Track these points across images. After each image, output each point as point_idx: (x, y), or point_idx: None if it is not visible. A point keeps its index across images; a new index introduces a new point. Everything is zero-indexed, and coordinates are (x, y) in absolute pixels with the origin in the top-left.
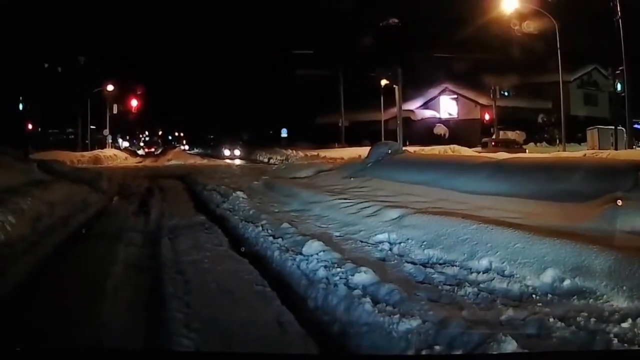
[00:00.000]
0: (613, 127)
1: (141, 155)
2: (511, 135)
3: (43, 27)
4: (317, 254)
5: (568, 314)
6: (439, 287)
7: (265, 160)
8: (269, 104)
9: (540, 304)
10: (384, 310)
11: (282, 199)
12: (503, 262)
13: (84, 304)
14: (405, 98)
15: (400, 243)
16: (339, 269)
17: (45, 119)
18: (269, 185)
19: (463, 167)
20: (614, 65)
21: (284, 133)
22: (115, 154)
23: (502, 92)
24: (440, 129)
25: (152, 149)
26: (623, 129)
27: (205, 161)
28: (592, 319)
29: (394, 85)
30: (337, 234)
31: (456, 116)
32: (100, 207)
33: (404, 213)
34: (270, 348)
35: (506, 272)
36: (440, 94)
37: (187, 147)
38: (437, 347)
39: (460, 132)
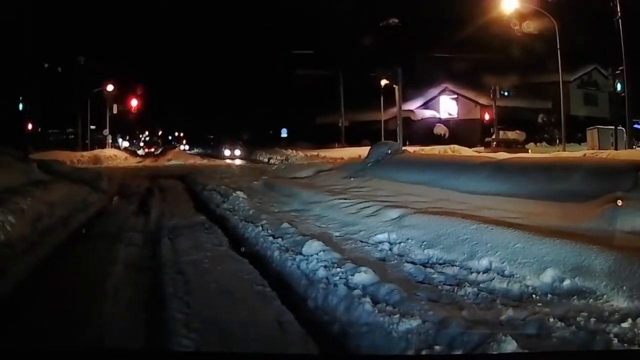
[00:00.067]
0: (613, 127)
1: (141, 155)
2: (511, 135)
3: (43, 27)
4: (317, 254)
5: (568, 314)
6: (439, 287)
7: (265, 160)
8: (269, 104)
9: (540, 304)
10: (384, 310)
11: (282, 199)
12: (503, 262)
13: (84, 304)
14: (405, 98)
15: (400, 243)
16: (338, 269)
17: (45, 119)
18: (269, 185)
19: (463, 167)
20: (614, 65)
21: (284, 133)
22: (115, 154)
23: (502, 92)
24: (440, 129)
25: (152, 149)
26: (623, 129)
27: (205, 161)
28: (592, 319)
29: (394, 85)
30: (337, 234)
31: (456, 116)
32: (100, 207)
33: (404, 213)
34: (270, 348)
35: (506, 272)
36: (440, 94)
37: (187, 147)
38: (437, 347)
39: (460, 132)
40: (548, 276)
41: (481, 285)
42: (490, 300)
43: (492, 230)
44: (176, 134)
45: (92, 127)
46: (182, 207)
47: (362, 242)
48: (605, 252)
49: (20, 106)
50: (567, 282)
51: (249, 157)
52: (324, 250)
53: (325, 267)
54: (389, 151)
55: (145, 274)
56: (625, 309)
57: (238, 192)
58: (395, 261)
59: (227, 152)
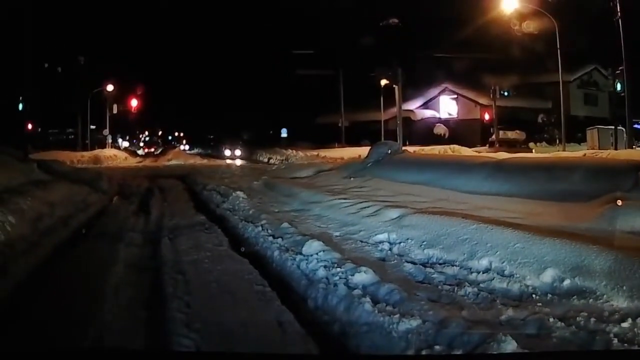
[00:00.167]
0: (613, 127)
1: (141, 155)
2: (511, 135)
3: (43, 27)
4: (317, 253)
5: (568, 313)
6: (439, 287)
7: (265, 160)
8: (269, 104)
9: (540, 304)
10: (383, 310)
11: (282, 198)
12: (503, 262)
13: (84, 304)
14: (405, 98)
15: (400, 243)
16: (338, 269)
17: (45, 119)
18: (269, 185)
19: (463, 167)
20: (614, 65)
21: (284, 133)
22: (115, 154)
23: (502, 92)
24: (440, 129)
25: (152, 149)
26: (623, 129)
27: (205, 161)
28: (592, 319)
29: (394, 85)
30: (337, 233)
31: (456, 116)
32: (100, 207)
33: (404, 213)
34: (270, 348)
35: (506, 272)
36: (440, 94)
37: (187, 147)
38: (437, 347)
39: (460, 132)
40: (548, 276)
41: (481, 285)
42: (490, 300)
43: (492, 230)
44: (176, 134)
45: (92, 127)
46: (182, 207)
47: (362, 242)
48: (605, 252)
49: (20, 106)
50: (567, 282)
51: (249, 157)
52: (324, 250)
53: (325, 267)
54: (389, 151)
55: (145, 273)
56: (625, 309)
57: (238, 192)
58: (395, 261)
59: (227, 152)
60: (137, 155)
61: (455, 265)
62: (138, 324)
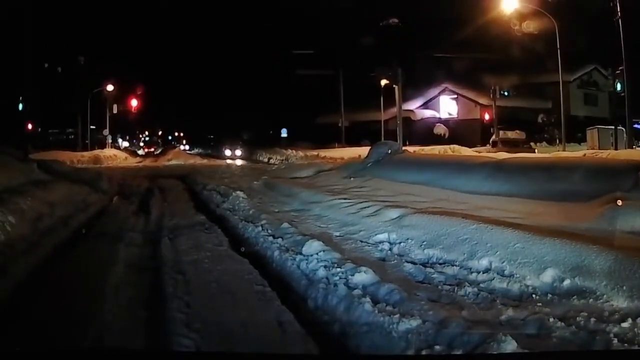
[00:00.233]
0: (613, 127)
1: (141, 155)
2: (511, 135)
3: (43, 27)
4: (317, 253)
5: (568, 313)
6: (439, 287)
7: (265, 160)
8: (269, 104)
9: (540, 304)
10: (383, 310)
11: (282, 198)
12: (503, 262)
13: (84, 304)
14: (405, 98)
15: (400, 243)
16: (338, 269)
17: (45, 119)
18: (269, 185)
19: (463, 167)
20: (614, 65)
21: (284, 133)
22: (115, 154)
23: (502, 92)
24: (440, 129)
25: (152, 149)
26: (623, 129)
27: (205, 161)
28: (592, 319)
29: (394, 85)
30: (337, 233)
31: (456, 116)
32: (100, 207)
33: (404, 213)
34: (270, 348)
35: (506, 272)
36: (440, 94)
37: (187, 147)
38: (437, 347)
39: (460, 132)
40: (548, 276)
41: (481, 285)
42: (490, 300)
43: (492, 230)
44: (176, 134)
45: (92, 127)
46: (182, 207)
47: (362, 242)
48: (605, 252)
49: (20, 106)
50: (567, 282)
51: (249, 157)
52: (324, 250)
53: (325, 267)
54: (389, 151)
55: (145, 273)
56: (625, 309)
57: (238, 192)
58: (395, 261)
59: (227, 152)
60: (137, 155)
61: (455, 265)
62: (138, 324)
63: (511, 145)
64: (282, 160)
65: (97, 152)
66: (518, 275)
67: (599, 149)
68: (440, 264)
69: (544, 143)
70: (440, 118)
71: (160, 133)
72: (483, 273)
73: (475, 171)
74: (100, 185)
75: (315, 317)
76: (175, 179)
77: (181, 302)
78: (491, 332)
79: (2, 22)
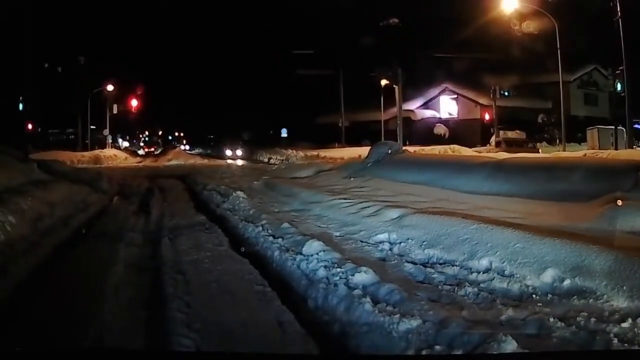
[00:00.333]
0: (613, 127)
1: (141, 155)
2: (511, 134)
3: (43, 27)
4: (317, 253)
5: (568, 313)
6: (439, 287)
7: (266, 160)
8: (269, 104)
9: (540, 304)
10: (384, 310)
11: (282, 198)
12: (503, 262)
13: (84, 304)
14: (405, 98)
15: (400, 243)
16: (339, 269)
17: (45, 119)
18: (269, 185)
19: (463, 167)
20: (614, 65)
21: (284, 133)
22: (116, 154)
23: (502, 92)
24: (440, 129)
25: (152, 149)
26: (623, 129)
27: (205, 161)
28: (592, 319)
29: (394, 85)
30: (337, 233)
31: (456, 116)
32: (100, 207)
33: (404, 213)
34: (270, 348)
35: (506, 272)
36: (440, 94)
37: (187, 147)
38: (437, 347)
39: (461, 132)
40: (548, 276)
41: (481, 285)
42: (490, 300)
43: (492, 230)
44: (176, 134)
45: (92, 127)
46: (183, 207)
47: (362, 242)
48: (606, 252)
49: (20, 106)
50: (567, 282)
51: (249, 157)
52: (324, 250)
53: (325, 267)
54: (389, 151)
55: (145, 273)
56: (626, 309)
57: (238, 192)
58: (396, 261)
59: (228, 152)
60: (137, 155)
61: (456, 265)
62: (138, 324)
63: (515, 145)
64: (282, 160)
65: (97, 152)
66: (518, 275)
67: (599, 149)
68: (440, 264)
69: (544, 143)
70: (440, 118)
71: (160, 133)
72: (483, 273)
73: (476, 171)
74: (101, 185)
75: (315, 317)
76: (176, 179)
77: (181, 302)
78: (491, 332)
79: (2, 22)
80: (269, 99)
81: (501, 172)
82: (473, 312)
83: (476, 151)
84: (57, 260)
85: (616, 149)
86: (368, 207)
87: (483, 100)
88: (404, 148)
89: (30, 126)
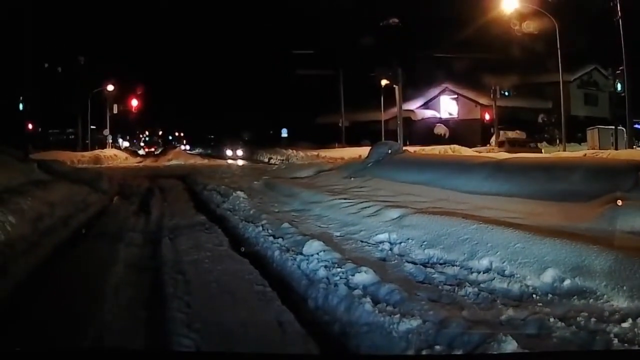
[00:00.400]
0: (613, 127)
1: (141, 155)
2: (511, 135)
3: (43, 27)
4: (317, 253)
5: (568, 314)
6: (439, 287)
7: (266, 160)
8: (269, 104)
9: (540, 304)
10: (384, 310)
11: (282, 199)
12: (503, 262)
13: (84, 304)
14: (406, 98)
15: (400, 243)
16: (339, 269)
17: (45, 119)
18: (269, 185)
19: (463, 167)
20: (614, 65)
21: (284, 133)
22: (116, 154)
23: (502, 92)
24: (440, 129)
25: (153, 149)
26: (623, 129)
27: (205, 161)
28: (593, 319)
29: (394, 85)
30: (338, 233)
31: (456, 116)
32: (100, 207)
33: (405, 213)
34: (270, 348)
35: (506, 272)
36: (440, 94)
37: (187, 147)
38: (437, 347)
39: (461, 132)
40: (548, 276)
41: (481, 285)
42: (490, 300)
43: (492, 230)
44: (176, 134)
45: (93, 127)
46: (183, 207)
47: (362, 242)
48: (606, 252)
49: (21, 106)
50: (567, 282)
51: (249, 157)
52: (324, 250)
53: (325, 267)
54: (389, 151)
55: (145, 273)
56: (626, 309)
57: (238, 192)
58: (396, 261)
59: (229, 152)
60: (137, 155)
61: (456, 265)
62: (138, 324)
63: (519, 145)
64: (283, 160)
65: (97, 152)
66: (518, 275)
67: (600, 149)
68: (440, 264)
69: (544, 143)
70: (440, 118)
71: (160, 133)
72: (483, 273)
73: (476, 171)
74: (101, 185)
75: (315, 317)
76: (176, 179)
77: (181, 302)
78: (491, 332)
79: (2, 22)
80: (269, 99)
81: (501, 172)
82: (473, 312)
83: (476, 151)
84: (57, 260)
85: (616, 149)
86: (368, 207)
87: (483, 100)
88: (404, 148)
89: (30, 126)
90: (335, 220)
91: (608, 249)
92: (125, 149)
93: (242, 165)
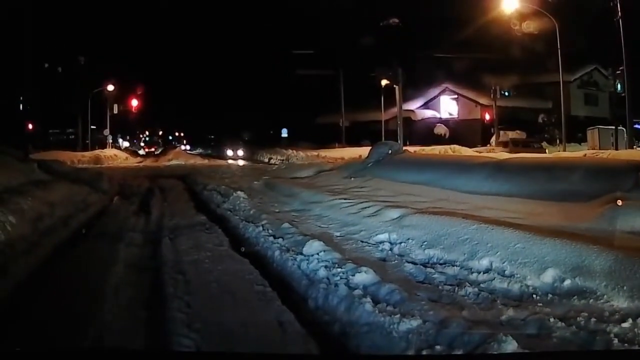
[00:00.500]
0: (613, 127)
1: (142, 155)
2: (511, 134)
3: (43, 27)
4: (317, 254)
5: (568, 314)
6: (440, 287)
7: (266, 160)
8: (269, 104)
9: (540, 304)
10: (384, 310)
11: (282, 199)
12: (503, 262)
13: (84, 304)
14: (406, 98)
15: (400, 243)
16: (339, 269)
17: (45, 119)
18: (270, 185)
19: (463, 167)
20: (614, 66)
21: (284, 133)
22: (116, 154)
23: (502, 92)
24: (440, 129)
25: (153, 149)
26: (623, 129)
27: (205, 161)
28: (593, 319)
29: (394, 85)
30: (338, 234)
31: (456, 116)
32: (100, 207)
33: (405, 213)
34: (271, 348)
35: (507, 272)
36: (440, 94)
37: (187, 147)
38: (437, 347)
39: (461, 132)
40: (548, 276)
41: (482, 285)
42: (490, 300)
43: (492, 230)
44: (177, 134)
45: (93, 127)
46: (183, 207)
47: (362, 242)
48: (606, 252)
49: (21, 106)
50: (567, 282)
51: (249, 157)
52: (324, 250)
53: (325, 267)
54: (389, 151)
55: (145, 273)
56: (626, 309)
57: (238, 192)
58: (396, 261)
59: (229, 152)
60: (137, 155)
61: (456, 266)
62: (138, 324)
63: (522, 145)
64: (283, 160)
65: (97, 152)
66: (518, 276)
67: (600, 149)
68: (440, 264)
69: (544, 143)
70: (440, 118)
71: (160, 133)
72: (484, 273)
73: (476, 171)
74: (101, 185)
75: (315, 317)
76: (176, 179)
77: (181, 302)
78: (492, 332)
79: (2, 22)
80: (269, 99)
81: (501, 172)
82: (473, 312)
83: (477, 151)
84: (57, 260)
85: (616, 149)
86: (368, 207)
87: (483, 101)
88: (404, 148)
89: (30, 126)
90: (336, 220)
91: (608, 249)
92: (126, 149)
93: (243, 165)
